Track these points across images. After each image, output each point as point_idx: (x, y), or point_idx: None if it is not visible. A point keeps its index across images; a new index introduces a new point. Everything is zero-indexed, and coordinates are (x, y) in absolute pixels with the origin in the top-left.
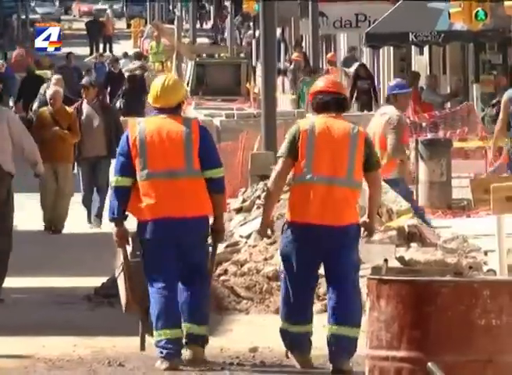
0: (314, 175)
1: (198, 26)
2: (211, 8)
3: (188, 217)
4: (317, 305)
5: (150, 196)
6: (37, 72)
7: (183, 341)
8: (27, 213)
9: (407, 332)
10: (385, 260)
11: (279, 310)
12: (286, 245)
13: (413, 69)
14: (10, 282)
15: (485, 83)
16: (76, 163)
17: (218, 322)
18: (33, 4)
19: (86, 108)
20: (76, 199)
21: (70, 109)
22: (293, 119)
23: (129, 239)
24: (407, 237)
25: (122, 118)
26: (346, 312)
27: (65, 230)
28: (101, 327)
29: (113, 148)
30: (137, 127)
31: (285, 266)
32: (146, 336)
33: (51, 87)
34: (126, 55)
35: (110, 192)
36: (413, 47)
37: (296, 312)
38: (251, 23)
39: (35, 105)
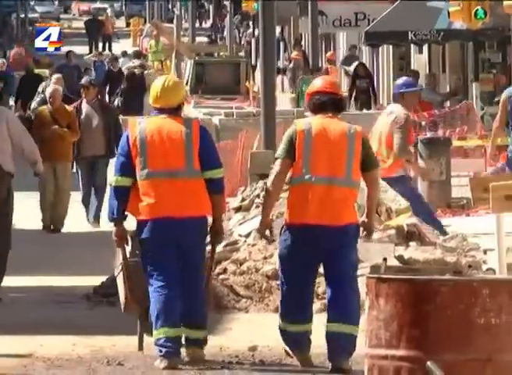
0: (312, 175)
1: (197, 25)
2: (211, 7)
3: (187, 217)
4: (316, 304)
5: (150, 195)
6: (36, 70)
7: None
8: (26, 212)
9: (406, 331)
10: (385, 259)
11: (279, 309)
12: (285, 246)
13: (412, 67)
14: (9, 281)
15: (484, 82)
16: (75, 162)
17: (218, 321)
18: (32, 3)
19: (85, 107)
20: (76, 198)
21: (69, 108)
22: (292, 117)
23: (129, 239)
24: (406, 235)
25: (120, 116)
26: (344, 310)
27: (64, 229)
28: (100, 326)
29: (112, 147)
30: (138, 127)
31: (284, 266)
32: (144, 336)
33: (51, 85)
34: (125, 53)
35: (109, 192)
36: (412, 45)
37: (295, 311)
38: (250, 22)
39: (33, 104)
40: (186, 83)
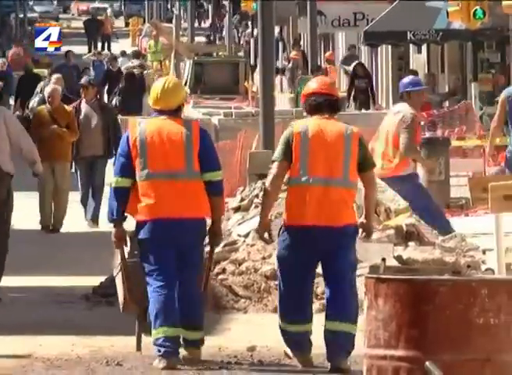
0: (309, 177)
1: (196, 25)
2: (210, 6)
3: (187, 218)
4: (315, 305)
5: (149, 196)
6: (35, 70)
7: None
8: (25, 212)
9: (405, 331)
10: (383, 259)
11: (278, 309)
12: (284, 247)
13: (411, 67)
14: (8, 281)
15: (483, 82)
16: (73, 162)
17: (217, 321)
18: (31, 3)
19: (84, 107)
20: (74, 198)
21: (69, 108)
22: (291, 117)
23: (128, 239)
24: (405, 235)
25: (119, 116)
26: (342, 308)
27: (62, 230)
28: (100, 327)
29: (110, 147)
30: (138, 128)
31: (282, 267)
32: (142, 336)
33: (50, 85)
34: (124, 53)
35: (109, 193)
36: (411, 45)
37: (294, 311)
38: (249, 22)
39: (32, 103)
40: (185, 83)
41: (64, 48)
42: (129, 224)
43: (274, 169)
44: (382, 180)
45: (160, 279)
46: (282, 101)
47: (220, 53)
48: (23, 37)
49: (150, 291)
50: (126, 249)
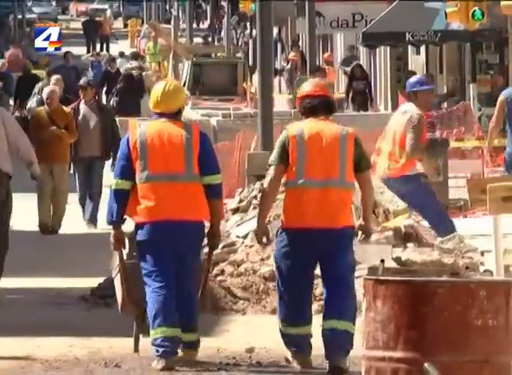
0: (306, 179)
1: (195, 25)
2: (208, 7)
3: (186, 221)
4: (314, 306)
5: (149, 198)
6: (34, 71)
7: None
8: (24, 214)
9: (404, 332)
10: (382, 260)
11: (277, 312)
12: (282, 250)
13: (409, 68)
14: (6, 282)
15: (481, 83)
16: (72, 163)
17: (215, 322)
18: (29, 4)
19: (83, 108)
20: (73, 199)
21: (67, 109)
22: (289, 119)
23: (126, 241)
24: (404, 237)
25: (116, 117)
26: (340, 308)
27: (60, 231)
28: (98, 328)
29: (108, 148)
30: (138, 130)
31: (280, 269)
32: (140, 338)
33: (49, 86)
34: (122, 54)
35: (109, 195)
36: (409, 46)
37: (294, 313)
38: (248, 23)
39: (29, 103)
40: (184, 85)
41: (63, 49)
42: (127, 225)
43: (270, 173)
44: (389, 179)
45: (159, 280)
46: (281, 102)
47: (219, 54)
48: (21, 39)
49: (148, 291)
50: (125, 251)
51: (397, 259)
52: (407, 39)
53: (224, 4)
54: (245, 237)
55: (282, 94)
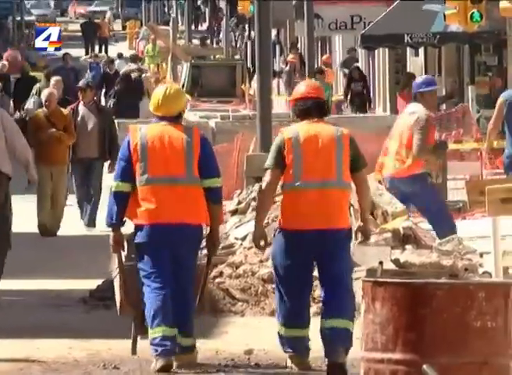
0: (304, 181)
1: (193, 27)
2: (207, 9)
3: (186, 224)
4: (312, 308)
5: (149, 201)
6: (32, 73)
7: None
8: (23, 216)
9: (402, 334)
10: (381, 262)
11: (276, 314)
12: (279, 252)
13: (408, 70)
14: (5, 284)
15: (480, 85)
16: (70, 164)
17: (214, 324)
18: (28, 6)
19: (82, 109)
20: (72, 201)
21: (65, 111)
22: (288, 120)
23: (125, 243)
24: (402, 239)
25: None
26: (338, 306)
27: (60, 233)
28: (97, 330)
29: (107, 150)
30: (139, 133)
31: (278, 270)
32: (138, 340)
33: (48, 88)
34: (120, 55)
35: (109, 197)
36: (408, 48)
37: (292, 315)
38: (246, 25)
39: (27, 104)
40: (183, 86)
41: (61, 51)
42: (126, 227)
43: (267, 176)
44: (394, 179)
45: (158, 281)
46: (279, 104)
47: (217, 56)
48: (20, 40)
49: (147, 292)
50: (124, 253)
51: (396, 261)
52: (405, 41)
53: (222, 6)
54: (243, 238)
55: (280, 96)
